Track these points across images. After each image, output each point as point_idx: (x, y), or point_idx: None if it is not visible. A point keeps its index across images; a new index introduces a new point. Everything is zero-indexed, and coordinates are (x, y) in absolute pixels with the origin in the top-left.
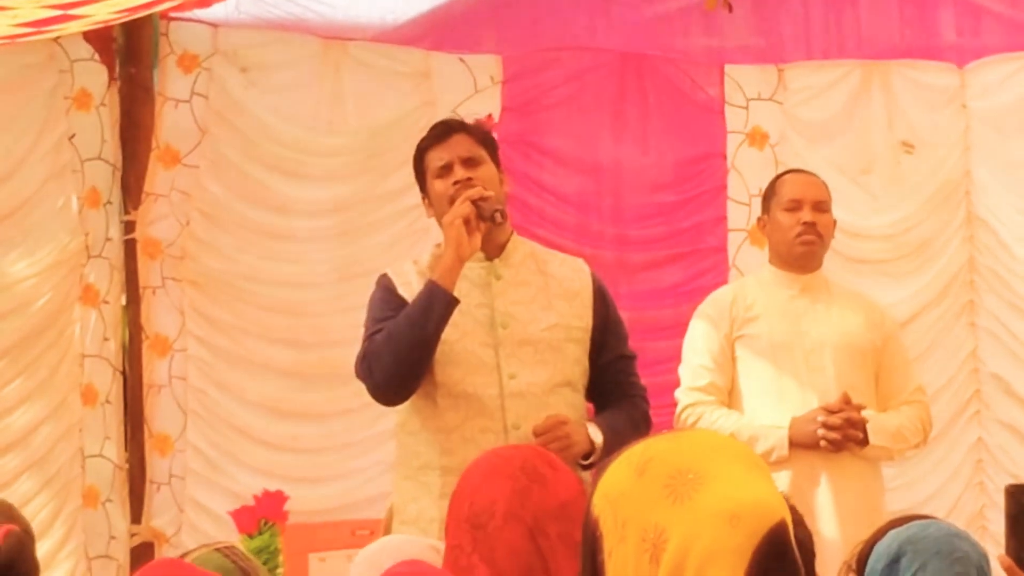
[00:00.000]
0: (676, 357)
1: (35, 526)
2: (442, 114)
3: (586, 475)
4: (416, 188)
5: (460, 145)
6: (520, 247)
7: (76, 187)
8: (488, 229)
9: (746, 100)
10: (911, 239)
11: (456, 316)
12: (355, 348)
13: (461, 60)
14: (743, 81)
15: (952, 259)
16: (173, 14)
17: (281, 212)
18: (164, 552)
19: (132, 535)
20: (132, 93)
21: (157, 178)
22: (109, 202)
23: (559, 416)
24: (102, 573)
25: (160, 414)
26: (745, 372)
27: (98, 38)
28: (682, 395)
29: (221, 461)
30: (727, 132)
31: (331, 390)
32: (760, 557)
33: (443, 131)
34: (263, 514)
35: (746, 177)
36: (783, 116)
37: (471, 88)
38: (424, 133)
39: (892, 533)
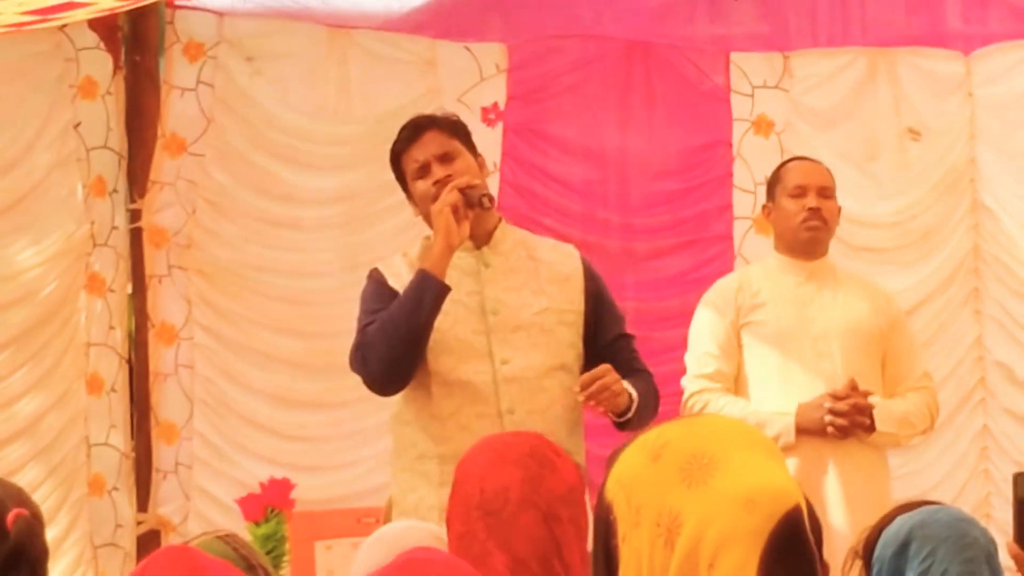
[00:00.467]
0: (682, 345)
1: None
2: (448, 102)
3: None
4: None
5: (433, 142)
6: (509, 234)
7: (82, 175)
8: (476, 216)
9: (752, 88)
10: (916, 227)
11: (447, 304)
12: None
13: (467, 48)
14: (748, 69)
15: (957, 247)
16: (179, 2)
17: (287, 201)
18: (170, 540)
19: (138, 523)
20: (138, 82)
21: (163, 167)
22: (115, 190)
23: (603, 366)
24: (108, 561)
25: (166, 402)
26: (751, 359)
27: (103, 26)
28: (688, 383)
29: (227, 449)
30: (733, 120)
31: (337, 378)
32: (775, 541)
33: (413, 131)
34: (269, 502)
35: (752, 165)
36: (789, 104)
37: (477, 76)
38: None
39: (900, 519)
